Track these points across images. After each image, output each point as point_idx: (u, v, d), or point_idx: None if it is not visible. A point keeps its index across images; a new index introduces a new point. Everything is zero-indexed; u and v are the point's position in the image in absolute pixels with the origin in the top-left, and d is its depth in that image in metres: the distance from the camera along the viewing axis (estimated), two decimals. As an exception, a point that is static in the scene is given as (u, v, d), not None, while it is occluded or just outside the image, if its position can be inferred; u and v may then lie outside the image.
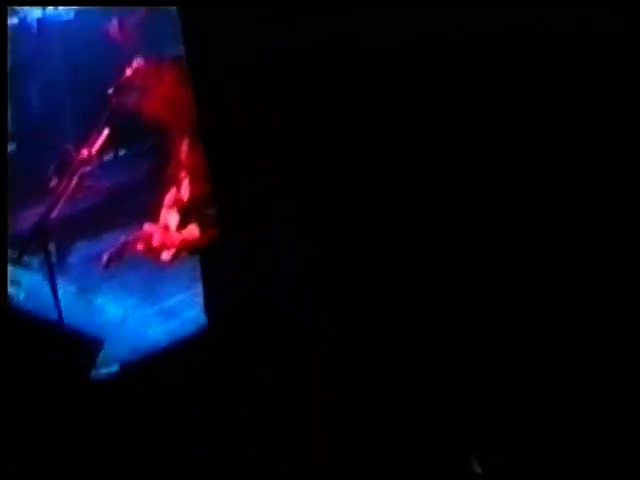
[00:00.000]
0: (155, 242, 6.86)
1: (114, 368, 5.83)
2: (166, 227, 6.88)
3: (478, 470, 4.04)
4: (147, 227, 6.83)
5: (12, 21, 7.46)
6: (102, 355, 5.80)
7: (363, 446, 4.75)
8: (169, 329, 6.28)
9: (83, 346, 5.88)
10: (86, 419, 5.33)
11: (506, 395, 4.14)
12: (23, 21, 7.48)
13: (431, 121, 4.15)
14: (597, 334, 3.74)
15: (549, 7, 3.65)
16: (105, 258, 6.73)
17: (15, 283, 6.53)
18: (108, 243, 6.97)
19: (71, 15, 7.54)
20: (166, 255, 6.78)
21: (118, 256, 6.72)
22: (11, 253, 6.55)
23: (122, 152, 7.53)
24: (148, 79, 7.07)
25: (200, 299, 6.10)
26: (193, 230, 6.72)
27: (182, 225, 6.87)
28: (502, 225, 3.96)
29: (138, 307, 6.63)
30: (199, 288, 6.13)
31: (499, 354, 4.13)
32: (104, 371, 5.79)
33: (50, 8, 7.43)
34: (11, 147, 7.78)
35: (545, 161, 3.80)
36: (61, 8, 7.45)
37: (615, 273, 3.59)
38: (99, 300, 6.70)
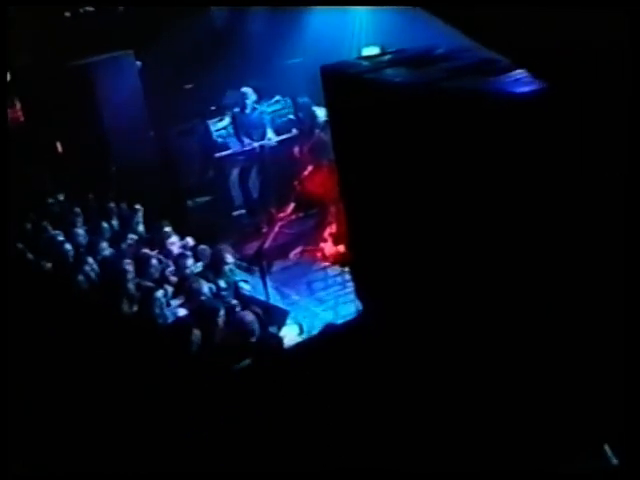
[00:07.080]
0: (327, 252, 9.83)
1: (297, 331, 7.40)
2: (327, 247, 9.92)
3: (613, 460, 3.62)
4: (320, 245, 9.97)
5: (237, 148, 11.68)
6: (288, 320, 7.55)
7: (373, 445, 4.41)
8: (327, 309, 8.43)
9: (278, 314, 7.69)
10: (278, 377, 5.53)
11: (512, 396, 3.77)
12: (250, 147, 11.71)
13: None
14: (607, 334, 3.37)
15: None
16: (295, 253, 9.81)
17: (245, 281, 8.57)
18: (293, 261, 10.02)
19: (275, 143, 11.72)
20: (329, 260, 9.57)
21: (301, 252, 9.93)
22: (242, 265, 9.30)
23: (301, 214, 10.89)
24: (315, 176, 10.62)
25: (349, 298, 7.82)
26: (342, 250, 9.31)
27: (334, 247, 9.75)
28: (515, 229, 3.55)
29: (308, 295, 9.17)
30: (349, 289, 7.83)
31: (507, 355, 3.76)
32: (289, 332, 7.40)
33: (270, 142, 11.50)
34: (240, 211, 11.66)
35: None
36: (272, 142, 11.64)
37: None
38: (286, 290, 9.19)
